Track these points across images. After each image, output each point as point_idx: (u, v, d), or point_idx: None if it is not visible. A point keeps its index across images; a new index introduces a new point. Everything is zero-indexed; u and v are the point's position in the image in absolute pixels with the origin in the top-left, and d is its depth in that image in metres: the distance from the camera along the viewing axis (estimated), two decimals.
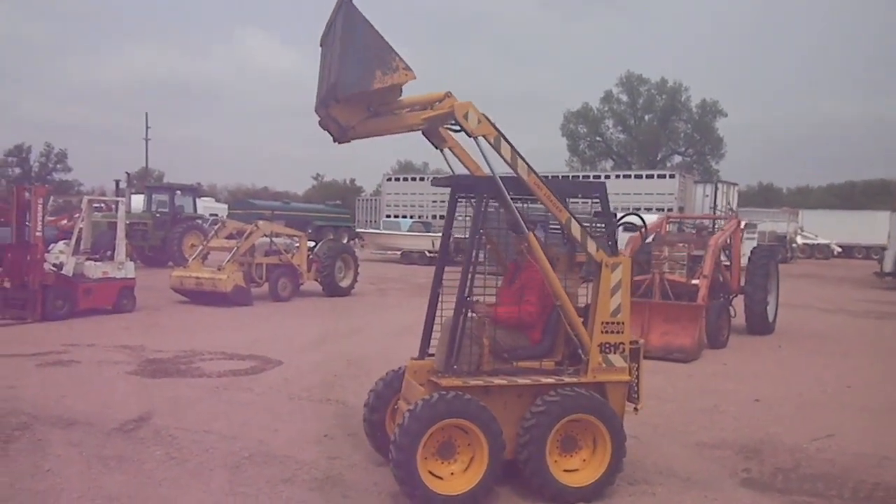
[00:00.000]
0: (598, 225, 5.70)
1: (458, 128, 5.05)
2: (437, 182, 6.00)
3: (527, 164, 5.03)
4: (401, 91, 4.91)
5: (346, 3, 4.74)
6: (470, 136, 4.97)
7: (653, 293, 11.87)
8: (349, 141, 5.02)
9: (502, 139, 4.97)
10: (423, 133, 5.31)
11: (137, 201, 27.05)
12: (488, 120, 4.96)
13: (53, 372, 8.88)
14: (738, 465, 6.13)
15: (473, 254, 5.14)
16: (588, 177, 39.23)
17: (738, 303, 13.36)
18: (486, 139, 4.96)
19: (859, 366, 10.71)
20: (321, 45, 5.24)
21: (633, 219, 6.25)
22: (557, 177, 33.48)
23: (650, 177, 34.35)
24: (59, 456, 5.85)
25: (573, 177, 38.74)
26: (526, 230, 5.10)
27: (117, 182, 28.35)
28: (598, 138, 71.57)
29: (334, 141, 5.00)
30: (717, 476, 5.88)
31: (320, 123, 5.02)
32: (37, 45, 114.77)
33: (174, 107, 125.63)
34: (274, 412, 7.35)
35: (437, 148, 5.46)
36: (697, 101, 67.81)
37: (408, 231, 33.16)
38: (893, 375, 10.09)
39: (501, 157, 4.99)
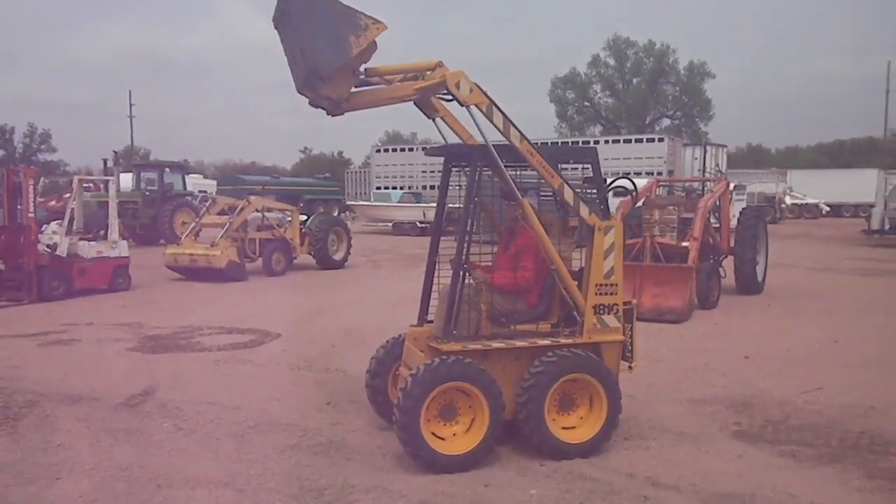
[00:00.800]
0: (589, 190, 5.81)
1: (450, 97, 5.11)
2: (430, 152, 6.08)
3: (519, 131, 5.11)
4: (376, 45, 4.94)
5: None
6: (462, 105, 5.03)
7: (644, 256, 12.03)
8: (342, 113, 5.08)
9: (494, 107, 5.04)
10: (414, 103, 5.37)
11: (125, 180, 26.95)
12: (480, 89, 5.02)
13: (55, 351, 8.98)
14: (728, 419, 6.33)
15: (469, 222, 5.24)
16: (577, 142, 39.21)
17: (728, 264, 13.56)
18: (478, 108, 5.03)
19: (846, 322, 10.94)
20: (276, 27, 5.20)
21: (625, 182, 6.35)
22: (547, 143, 33.49)
23: (639, 141, 34.42)
24: (67, 431, 5.99)
25: (563, 143, 38.72)
26: (520, 197, 5.20)
27: (105, 161, 28.22)
28: (586, 103, 71.34)
29: (328, 114, 5.06)
30: (708, 430, 6.08)
31: (311, 103, 5.06)
32: (17, 22, 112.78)
33: (157, 83, 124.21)
34: (275, 383, 7.49)
35: (429, 117, 5.52)
36: (685, 63, 67.68)
37: (398, 202, 33.19)
38: (878, 331, 10.32)
39: (494, 125, 5.06)
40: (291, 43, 5.06)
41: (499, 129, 5.07)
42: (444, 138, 5.75)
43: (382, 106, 5.25)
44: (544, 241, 5.23)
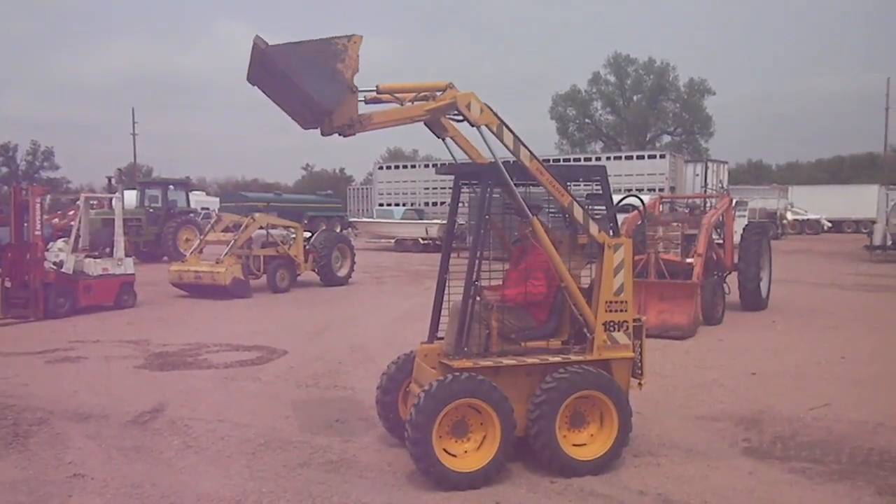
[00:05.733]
0: (596, 207, 5.86)
1: (460, 118, 5.18)
2: (441, 170, 6.14)
3: (529, 150, 5.17)
4: (359, 55, 5.01)
5: (264, 50, 4.82)
6: (473, 126, 5.10)
7: (648, 273, 12.06)
8: (355, 133, 5.15)
9: (504, 128, 5.11)
10: (424, 123, 5.44)
11: (129, 197, 27.04)
12: (490, 109, 5.10)
13: (63, 368, 9.00)
14: (737, 436, 6.34)
15: (480, 239, 5.29)
16: (579, 160, 39.34)
17: (732, 280, 13.58)
18: (488, 128, 5.11)
19: (852, 338, 10.95)
20: (253, 84, 5.29)
21: (634, 200, 6.41)
22: (549, 160, 33.57)
23: (641, 158, 34.46)
24: (79, 448, 6.00)
25: (564, 160, 38.87)
26: (530, 215, 5.25)
27: (109, 178, 28.36)
28: (587, 120, 71.58)
29: (343, 136, 5.15)
30: (718, 446, 6.08)
31: (324, 133, 5.16)
32: (19, 42, 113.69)
33: (159, 101, 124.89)
34: (283, 400, 7.50)
35: (438, 137, 5.59)
36: (685, 81, 67.98)
37: (401, 219, 33.25)
38: (885, 347, 10.33)
39: (504, 145, 5.14)
40: (283, 96, 5.20)
41: (509, 149, 5.14)
42: (453, 157, 5.82)
43: (393, 126, 5.32)
44: (554, 259, 5.28)
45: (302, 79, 4.86)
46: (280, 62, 4.86)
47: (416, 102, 5.29)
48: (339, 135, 5.14)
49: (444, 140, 5.61)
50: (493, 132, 5.11)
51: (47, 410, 7.04)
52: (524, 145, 5.16)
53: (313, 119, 5.08)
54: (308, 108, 5.04)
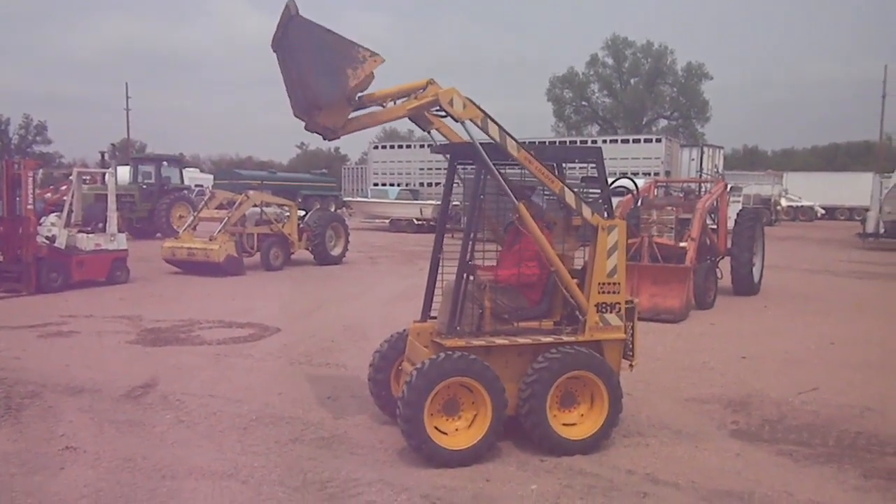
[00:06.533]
0: (590, 189, 5.87)
1: (444, 113, 5.19)
2: (436, 149, 6.12)
3: (515, 140, 5.18)
4: (373, 76, 5.08)
5: (294, 17, 4.80)
6: (457, 121, 5.12)
7: (641, 256, 12.10)
8: (338, 138, 5.19)
9: (489, 120, 5.13)
10: (409, 118, 5.45)
11: (123, 173, 26.88)
12: (473, 103, 5.12)
13: (55, 342, 9.00)
14: (726, 418, 6.40)
15: (474, 219, 5.29)
16: (575, 142, 39.28)
17: (725, 265, 13.64)
18: (473, 122, 5.12)
19: (842, 324, 11.03)
20: (274, 51, 5.29)
21: (626, 183, 6.41)
22: (545, 142, 33.57)
23: (637, 141, 34.48)
24: (71, 422, 6.02)
25: (560, 142, 38.77)
26: (516, 201, 5.24)
27: (102, 154, 28.15)
28: (583, 103, 71.40)
29: (325, 139, 5.19)
30: (706, 428, 6.14)
31: (307, 128, 5.17)
32: (12, 15, 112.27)
33: (153, 76, 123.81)
34: (276, 377, 7.53)
35: (424, 130, 5.61)
36: (683, 65, 67.79)
37: (395, 199, 33.19)
38: (874, 332, 10.40)
39: (490, 136, 5.16)
40: (289, 69, 5.18)
41: (495, 141, 5.16)
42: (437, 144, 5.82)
43: (377, 126, 5.34)
44: (543, 244, 5.28)
45: (310, 60, 4.87)
46: (299, 34, 4.85)
47: (398, 102, 5.30)
48: (323, 138, 5.18)
49: (429, 132, 5.61)
50: (477, 125, 5.14)
51: (39, 384, 7.05)
52: (510, 136, 5.17)
53: (304, 108, 5.09)
54: (302, 93, 5.04)
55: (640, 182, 14.18)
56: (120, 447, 5.46)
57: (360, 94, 5.14)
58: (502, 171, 5.31)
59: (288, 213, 17.54)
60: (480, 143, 5.24)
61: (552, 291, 5.63)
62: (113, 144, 27.56)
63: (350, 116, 5.19)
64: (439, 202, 6.16)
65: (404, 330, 6.02)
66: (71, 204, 13.96)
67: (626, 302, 5.60)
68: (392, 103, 5.32)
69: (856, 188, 44.05)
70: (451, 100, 5.05)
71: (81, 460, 5.21)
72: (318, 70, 4.87)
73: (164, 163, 26.00)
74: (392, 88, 5.34)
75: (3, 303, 11.89)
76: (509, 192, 5.23)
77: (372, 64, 4.98)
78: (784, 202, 44.75)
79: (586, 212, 5.36)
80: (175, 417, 6.17)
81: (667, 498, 4.74)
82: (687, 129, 68.04)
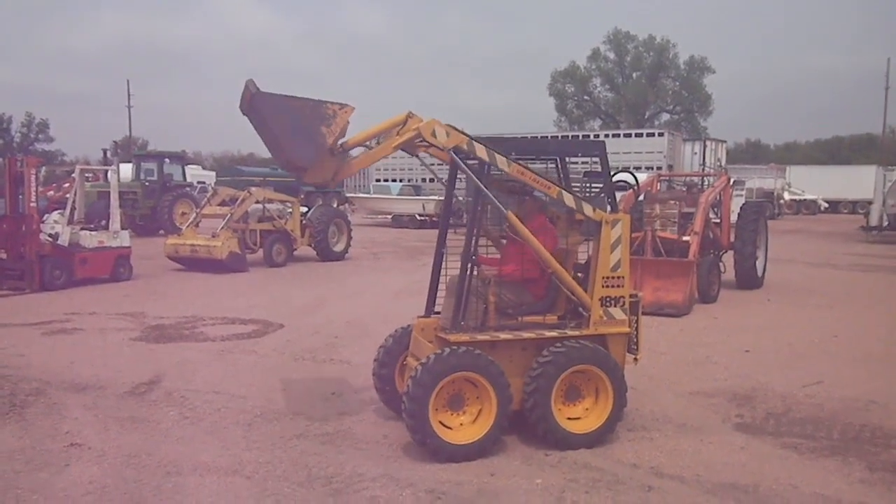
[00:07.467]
0: (591, 184, 5.86)
1: (427, 144, 5.20)
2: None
3: (504, 156, 5.18)
4: (348, 123, 5.23)
5: (256, 95, 4.89)
6: (443, 150, 5.17)
7: (644, 250, 12.08)
8: (334, 186, 5.27)
9: (475, 143, 5.14)
10: None
11: (125, 170, 26.91)
12: (456, 129, 5.13)
13: (59, 340, 9.01)
14: (730, 412, 6.39)
15: (477, 214, 5.28)
16: (577, 137, 39.21)
17: (728, 259, 13.62)
18: (458, 147, 5.14)
19: (845, 317, 11.01)
20: (244, 114, 5.36)
21: (627, 177, 6.39)
22: (546, 137, 33.52)
23: (639, 135, 34.36)
24: (75, 418, 6.02)
25: (562, 137, 38.69)
26: (504, 210, 5.23)
27: (105, 151, 28.18)
28: (585, 97, 71.25)
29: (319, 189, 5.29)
30: (711, 421, 6.14)
31: (299, 181, 5.29)
32: (14, 11, 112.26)
33: (154, 73, 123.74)
34: (280, 373, 7.53)
35: (412, 155, 5.64)
36: (685, 58, 67.59)
37: (398, 195, 33.17)
38: (878, 326, 10.39)
39: (478, 158, 5.17)
40: (264, 133, 5.29)
41: (484, 161, 5.16)
42: (428, 169, 5.84)
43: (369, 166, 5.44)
44: (536, 247, 5.26)
45: (282, 132, 5.01)
46: (265, 110, 4.99)
47: (380, 139, 5.41)
48: (316, 188, 5.28)
49: (416, 155, 5.62)
50: (464, 150, 5.15)
51: (44, 381, 7.06)
52: (498, 153, 5.17)
53: (289, 168, 5.27)
54: (284, 158, 5.21)
55: (643, 176, 14.20)
56: (124, 443, 5.46)
57: (341, 142, 5.23)
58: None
59: (290, 210, 17.54)
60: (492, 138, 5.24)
61: (556, 286, 5.62)
62: (115, 142, 27.59)
63: (338, 165, 5.28)
64: (441, 198, 6.17)
65: (408, 325, 6.02)
66: (74, 201, 13.96)
67: (631, 296, 5.59)
68: (376, 142, 5.42)
69: (859, 181, 43.92)
70: (432, 131, 5.08)
71: (86, 457, 5.21)
72: (293, 136, 5.03)
73: (167, 160, 25.98)
74: (372, 129, 5.45)
75: (7, 300, 11.91)
76: (497, 204, 5.21)
77: (343, 116, 5.15)
78: (787, 196, 44.65)
79: (587, 209, 5.36)
80: (179, 414, 6.18)
81: (672, 491, 4.73)
82: (689, 123, 67.87)
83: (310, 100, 5.09)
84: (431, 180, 35.42)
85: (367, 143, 5.48)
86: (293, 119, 4.97)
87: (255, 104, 4.94)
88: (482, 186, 5.16)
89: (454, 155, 5.16)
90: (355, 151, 5.64)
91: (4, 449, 5.35)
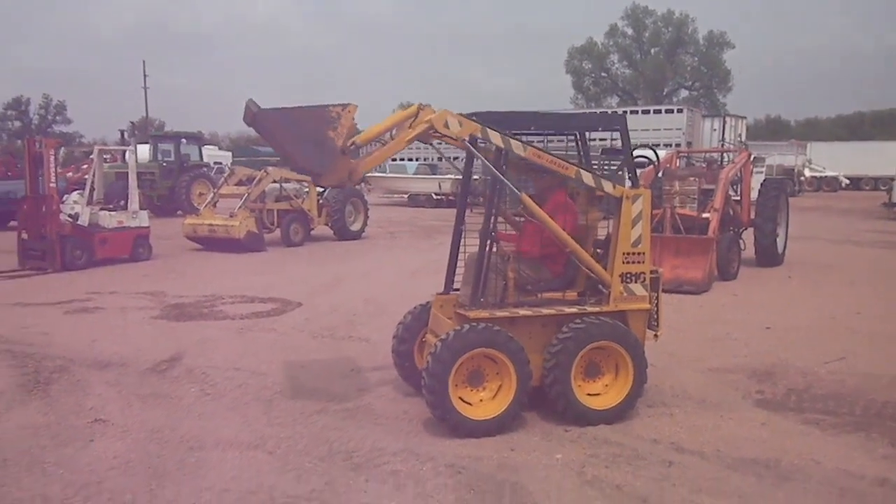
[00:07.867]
0: (610, 161, 5.80)
1: (441, 134, 5.15)
2: None
3: (520, 140, 5.13)
4: (355, 122, 5.25)
5: (258, 114, 4.89)
6: (457, 140, 5.11)
7: (664, 227, 11.97)
8: (354, 184, 5.26)
9: (489, 130, 5.08)
10: None
11: (142, 151, 27.03)
12: (468, 118, 5.08)
13: (81, 318, 9.12)
14: (751, 388, 6.35)
15: (496, 191, 5.24)
16: (595, 114, 38.80)
17: (748, 236, 13.47)
18: (473, 136, 5.10)
19: (867, 294, 10.87)
20: (248, 125, 5.31)
21: (647, 153, 6.31)
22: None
23: (658, 112, 33.96)
24: (99, 395, 6.10)
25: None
26: (518, 193, 5.19)
27: (122, 132, 28.32)
28: (603, 74, 70.43)
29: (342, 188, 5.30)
30: (731, 398, 6.10)
31: (316, 184, 5.30)
32: None
33: (170, 55, 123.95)
34: (299, 350, 7.58)
35: (425, 143, 5.60)
36: (704, 34, 66.53)
37: (414, 174, 33.09)
38: None
39: (493, 145, 5.11)
40: (273, 144, 5.30)
41: (500, 148, 5.11)
42: (443, 156, 5.80)
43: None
44: (553, 229, 5.22)
45: (290, 143, 5.03)
46: (270, 126, 4.98)
47: (394, 133, 5.39)
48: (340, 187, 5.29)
49: (430, 144, 5.57)
50: (478, 139, 5.11)
51: (67, 359, 7.15)
52: (513, 138, 5.12)
53: (304, 173, 5.27)
54: (298, 164, 5.28)
55: (662, 153, 14.02)
56: (147, 419, 5.53)
57: (351, 141, 5.21)
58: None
59: (307, 189, 17.56)
60: (510, 112, 5.18)
61: (575, 263, 5.59)
62: (132, 122, 27.70)
63: (353, 164, 5.27)
64: (457, 177, 6.16)
65: (427, 302, 6.02)
66: (93, 182, 14.06)
67: (651, 272, 5.54)
68: (389, 136, 5.40)
69: (881, 157, 43.25)
70: (445, 122, 5.04)
71: (110, 432, 5.28)
72: (302, 145, 5.02)
73: (184, 140, 26.05)
74: (384, 123, 5.44)
75: (29, 280, 12.07)
76: (514, 188, 5.19)
77: (348, 115, 5.11)
78: (808, 172, 44.07)
79: (607, 186, 5.30)
80: (201, 390, 6.24)
81: (692, 466, 4.72)
82: (708, 99, 66.98)
83: (311, 107, 5.12)
84: (448, 158, 35.28)
85: (380, 137, 5.47)
86: (298, 130, 5.01)
87: (257, 122, 4.97)
88: (498, 174, 5.13)
89: (469, 145, 5.12)
90: (368, 148, 5.64)
91: (30, 425, 5.43)
